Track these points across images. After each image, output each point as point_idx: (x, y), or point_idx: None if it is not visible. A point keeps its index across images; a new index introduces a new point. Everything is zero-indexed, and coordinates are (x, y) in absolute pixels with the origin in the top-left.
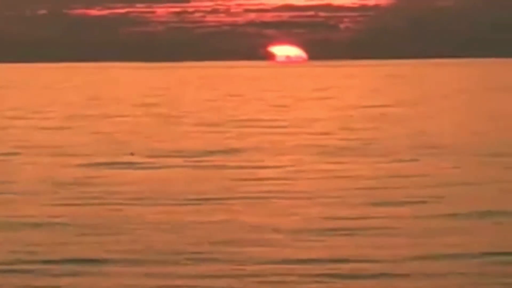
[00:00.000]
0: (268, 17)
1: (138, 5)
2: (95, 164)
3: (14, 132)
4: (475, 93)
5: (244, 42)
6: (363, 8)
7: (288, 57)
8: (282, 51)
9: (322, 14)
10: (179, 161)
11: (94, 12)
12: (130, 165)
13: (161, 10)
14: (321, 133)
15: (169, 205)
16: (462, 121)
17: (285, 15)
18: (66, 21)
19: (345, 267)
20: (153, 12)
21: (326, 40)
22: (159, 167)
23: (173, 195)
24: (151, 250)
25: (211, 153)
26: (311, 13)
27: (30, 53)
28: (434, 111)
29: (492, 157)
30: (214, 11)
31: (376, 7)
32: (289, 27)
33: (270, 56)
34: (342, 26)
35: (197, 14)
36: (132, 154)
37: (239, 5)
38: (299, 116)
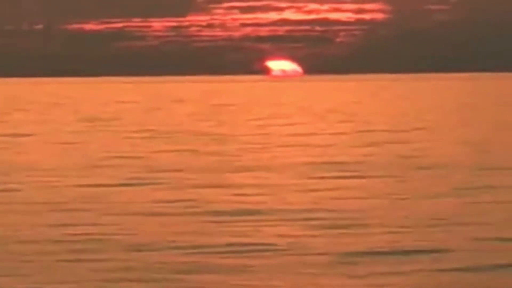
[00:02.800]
0: (264, 31)
1: (134, 19)
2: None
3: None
4: (477, 107)
5: (239, 57)
6: (359, 22)
7: (283, 71)
8: (278, 65)
9: (318, 28)
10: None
11: (90, 26)
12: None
13: (157, 25)
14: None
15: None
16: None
17: (281, 30)
18: (63, 35)
19: None
20: (149, 27)
21: (322, 54)
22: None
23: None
24: None
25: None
26: (307, 27)
27: (26, 67)
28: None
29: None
30: (210, 26)
31: (372, 21)
32: (285, 42)
33: (265, 70)
34: (338, 40)
35: (193, 28)
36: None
37: (235, 19)
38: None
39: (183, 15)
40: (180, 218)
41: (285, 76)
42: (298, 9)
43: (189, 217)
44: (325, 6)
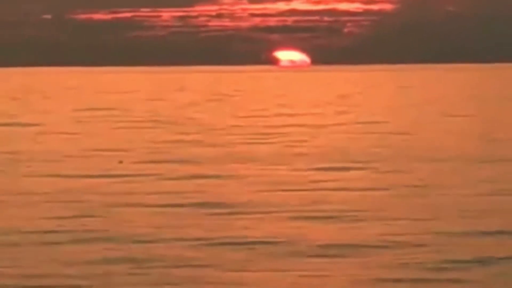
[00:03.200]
0: (272, 21)
1: (143, 9)
2: None
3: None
4: (485, 98)
5: (248, 47)
6: (367, 12)
7: (292, 61)
8: (286, 55)
9: (326, 18)
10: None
11: (99, 16)
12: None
13: (166, 15)
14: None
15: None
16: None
17: (290, 20)
18: (71, 25)
19: None
20: (158, 17)
21: (330, 45)
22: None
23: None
24: None
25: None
26: (316, 17)
27: (35, 57)
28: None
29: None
30: (219, 16)
31: (380, 11)
32: (293, 32)
33: (274, 61)
34: (346, 30)
35: (201, 19)
36: (120, 162)
37: (244, 9)
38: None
39: (192, 5)
40: (184, 210)
41: (293, 66)
42: (307, 0)
43: (193, 209)
44: None
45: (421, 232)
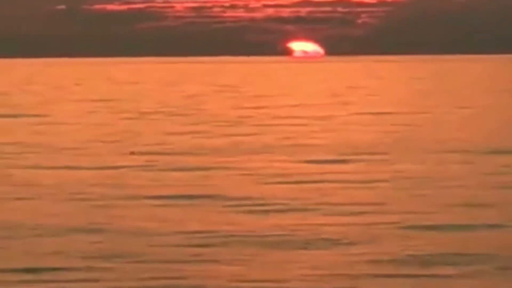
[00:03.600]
0: (286, 12)
1: (157, 0)
2: None
3: None
4: (498, 89)
5: (261, 38)
6: (381, 3)
7: (305, 52)
8: (300, 46)
9: (340, 9)
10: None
11: (113, 7)
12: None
13: (180, 5)
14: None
15: None
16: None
17: (303, 11)
18: (85, 16)
19: None
20: (172, 7)
21: (344, 36)
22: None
23: None
24: None
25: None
26: (329, 8)
27: (48, 48)
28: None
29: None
30: (233, 7)
31: (394, 2)
32: (307, 23)
33: (287, 51)
34: (360, 21)
35: (215, 9)
36: (132, 153)
37: (258, 0)
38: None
39: None
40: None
41: (306, 57)
42: None
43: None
44: None
45: (417, 224)
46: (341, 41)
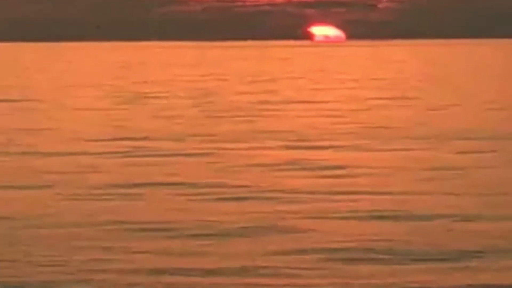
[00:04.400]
0: None
1: None
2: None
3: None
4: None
5: (283, 22)
6: None
7: (326, 36)
8: (321, 30)
9: None
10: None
11: None
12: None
13: None
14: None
15: None
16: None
17: None
18: (105, 0)
19: None
20: None
21: (365, 20)
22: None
23: None
24: None
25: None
26: None
27: (60, 32)
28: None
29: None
30: None
31: None
32: (328, 7)
33: (309, 36)
34: (381, 6)
35: None
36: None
37: None
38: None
39: None
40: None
41: (328, 41)
42: None
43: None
44: None
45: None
46: (363, 25)
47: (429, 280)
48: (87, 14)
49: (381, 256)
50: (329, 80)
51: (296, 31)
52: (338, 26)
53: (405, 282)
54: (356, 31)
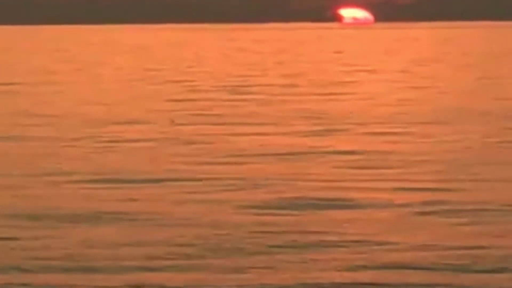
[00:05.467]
0: None
1: None
2: None
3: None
4: None
5: (311, 4)
6: None
7: (355, 18)
8: (349, 13)
9: None
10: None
11: None
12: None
13: None
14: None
15: None
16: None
17: None
18: None
19: None
20: None
21: (393, 2)
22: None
23: None
24: None
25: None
26: None
27: (79, 15)
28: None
29: None
30: None
31: None
32: None
33: (337, 18)
34: None
35: None
36: (172, 121)
37: None
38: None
39: None
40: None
41: (356, 23)
42: None
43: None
44: None
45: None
46: (391, 7)
47: None
48: None
49: None
50: (350, 63)
51: (324, 13)
52: (366, 8)
53: None
54: (385, 13)
